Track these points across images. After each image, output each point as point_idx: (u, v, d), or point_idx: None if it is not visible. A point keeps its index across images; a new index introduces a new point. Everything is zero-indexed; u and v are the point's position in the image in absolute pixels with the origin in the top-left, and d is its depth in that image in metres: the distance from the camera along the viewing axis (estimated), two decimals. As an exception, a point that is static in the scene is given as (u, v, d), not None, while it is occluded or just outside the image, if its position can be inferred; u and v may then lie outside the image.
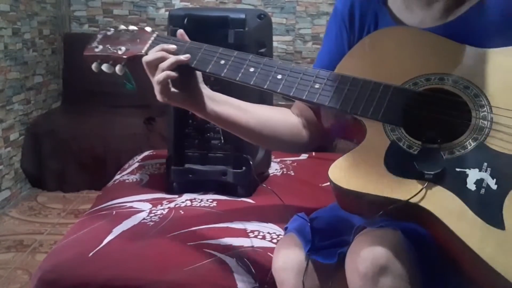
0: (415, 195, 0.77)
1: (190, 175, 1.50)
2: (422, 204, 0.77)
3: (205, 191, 1.52)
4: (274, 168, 1.76)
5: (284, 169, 1.76)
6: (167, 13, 2.64)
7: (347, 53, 0.95)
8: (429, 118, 0.83)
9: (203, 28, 1.43)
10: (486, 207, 0.75)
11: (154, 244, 1.20)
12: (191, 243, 1.19)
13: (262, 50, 1.51)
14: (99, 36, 1.04)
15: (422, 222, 0.80)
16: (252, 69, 0.93)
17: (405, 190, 0.78)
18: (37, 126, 2.94)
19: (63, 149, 2.83)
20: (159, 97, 0.94)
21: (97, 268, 1.12)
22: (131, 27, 1.04)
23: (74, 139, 2.83)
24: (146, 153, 1.93)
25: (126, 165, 1.84)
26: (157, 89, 0.93)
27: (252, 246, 1.19)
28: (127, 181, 1.63)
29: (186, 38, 0.99)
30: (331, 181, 0.82)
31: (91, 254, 1.15)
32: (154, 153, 1.93)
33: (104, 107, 3.10)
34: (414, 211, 0.78)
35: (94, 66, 1.02)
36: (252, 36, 1.44)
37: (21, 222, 2.51)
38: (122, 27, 1.05)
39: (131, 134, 2.81)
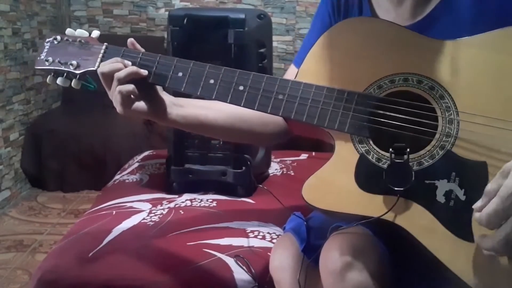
0: (386, 212, 0.78)
1: (190, 175, 1.50)
2: (394, 221, 0.79)
3: (205, 191, 1.52)
4: (274, 168, 1.76)
5: (284, 169, 1.76)
6: (167, 13, 2.65)
7: (309, 52, 0.89)
8: (396, 127, 0.81)
9: (203, 28, 1.43)
10: (455, 219, 0.75)
11: (154, 244, 1.20)
12: (191, 243, 1.19)
13: (262, 50, 1.51)
14: (47, 46, 0.98)
15: (398, 232, 0.80)
16: (212, 81, 0.88)
17: (377, 207, 0.79)
18: (37, 126, 2.94)
19: (63, 149, 2.83)
20: (119, 109, 0.89)
21: (97, 268, 1.12)
22: (78, 33, 0.98)
23: (74, 139, 2.83)
24: (146, 153, 1.94)
25: (126, 165, 1.84)
26: (116, 100, 0.88)
27: (252, 246, 1.19)
28: (127, 181, 1.63)
29: (138, 46, 0.93)
30: (305, 201, 0.82)
31: (91, 254, 1.15)
32: (154, 153, 1.94)
33: (104, 107, 3.07)
34: (389, 224, 0.79)
35: (49, 79, 0.98)
36: (252, 36, 1.44)
37: (21, 222, 2.51)
38: (69, 32, 0.99)
39: (131, 134, 2.81)
